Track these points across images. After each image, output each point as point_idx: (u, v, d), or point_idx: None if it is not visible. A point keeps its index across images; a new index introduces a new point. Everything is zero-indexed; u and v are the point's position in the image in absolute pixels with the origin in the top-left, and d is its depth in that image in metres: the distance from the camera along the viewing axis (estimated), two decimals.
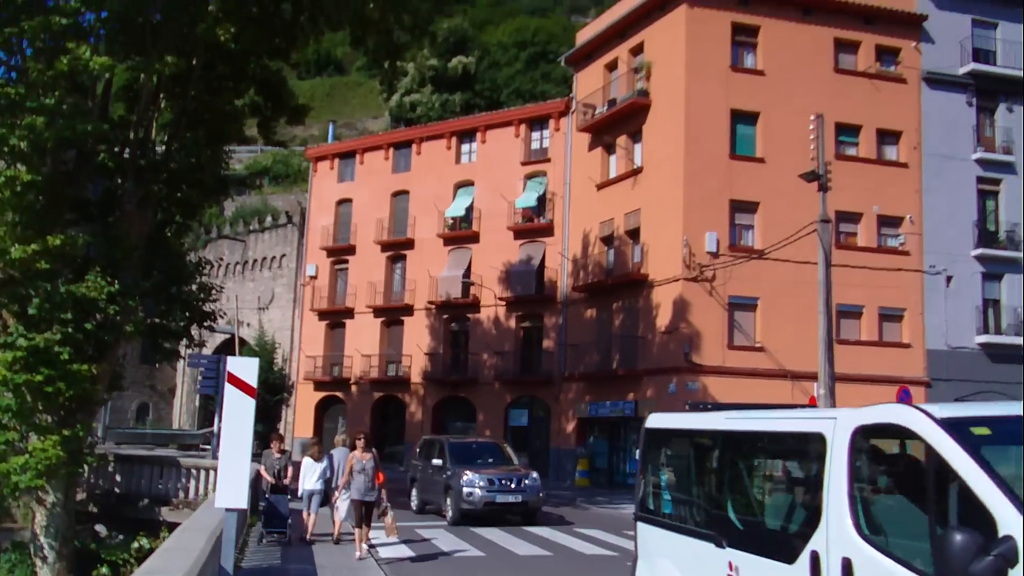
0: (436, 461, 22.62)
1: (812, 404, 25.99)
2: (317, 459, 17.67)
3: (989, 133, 36.63)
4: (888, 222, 34.74)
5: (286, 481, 17.44)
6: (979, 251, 35.14)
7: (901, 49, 35.78)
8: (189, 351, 29.33)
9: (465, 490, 20.87)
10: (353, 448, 16.21)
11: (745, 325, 32.54)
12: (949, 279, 34.47)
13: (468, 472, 21.16)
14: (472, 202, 43.43)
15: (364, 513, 15.76)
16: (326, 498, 17.94)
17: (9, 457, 19.69)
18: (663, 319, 32.92)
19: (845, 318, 32.84)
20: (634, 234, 35.42)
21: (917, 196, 34.89)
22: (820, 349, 23.58)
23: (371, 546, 16.30)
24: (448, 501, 21.63)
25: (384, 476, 16.15)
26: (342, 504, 16.99)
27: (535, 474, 22.33)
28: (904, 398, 28.50)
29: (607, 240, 37.21)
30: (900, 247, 34.54)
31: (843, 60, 35.28)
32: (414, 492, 24.45)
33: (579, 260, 38.51)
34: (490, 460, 22.85)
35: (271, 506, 17.28)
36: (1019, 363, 34.79)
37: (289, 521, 17.31)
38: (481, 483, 20.94)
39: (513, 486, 21.28)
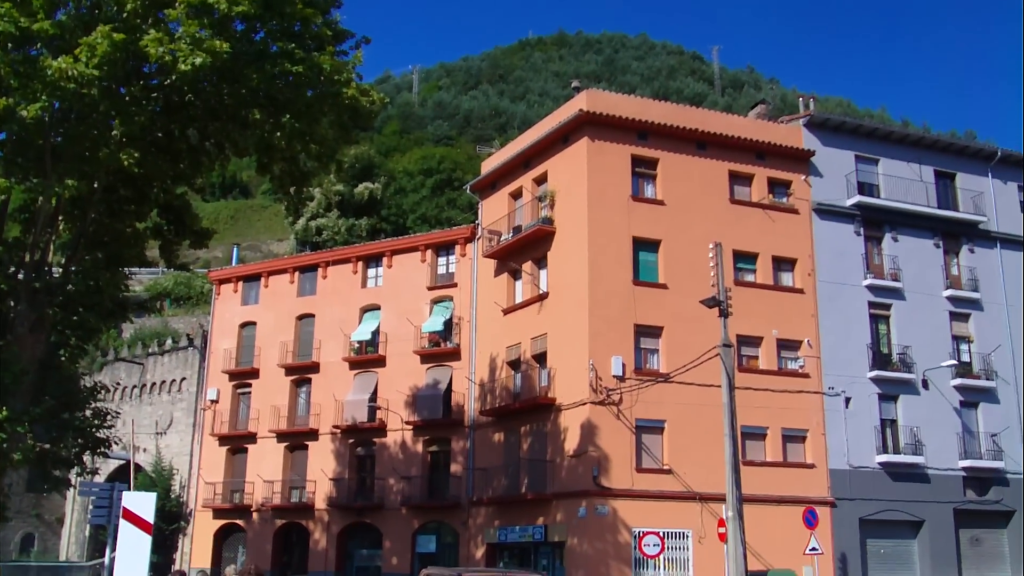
0: None
1: (721, 526, 26.08)
2: None
3: (877, 261, 38.32)
4: (787, 345, 35.68)
5: None
6: (874, 373, 36.25)
7: (792, 182, 37.52)
8: (80, 479, 28.04)
9: None
10: None
11: (653, 448, 32.68)
12: (848, 400, 35.39)
13: None
14: (378, 326, 43.25)
15: None
16: None
17: None
18: (571, 442, 32.87)
19: (750, 439, 33.33)
20: (541, 358, 35.60)
21: (813, 320, 36.04)
22: (727, 471, 23.77)
23: None
24: None
25: None
26: None
27: None
28: (810, 519, 28.85)
29: (514, 364, 37.30)
30: (800, 370, 35.43)
31: (738, 191, 36.75)
32: None
33: (486, 384, 38.43)
34: None
35: None
36: (916, 481, 35.74)
37: None
38: None
39: None
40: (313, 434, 43.67)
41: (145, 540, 7.50)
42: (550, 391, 34.31)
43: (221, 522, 45.49)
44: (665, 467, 32.45)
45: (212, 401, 46.97)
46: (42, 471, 25.36)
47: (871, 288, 37.43)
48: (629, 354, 33.17)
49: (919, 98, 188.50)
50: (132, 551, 7.54)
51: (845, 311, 36.59)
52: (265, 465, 44.59)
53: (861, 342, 36.56)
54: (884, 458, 35.51)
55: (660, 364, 33.53)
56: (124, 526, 7.50)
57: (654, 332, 33.89)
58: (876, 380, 36.36)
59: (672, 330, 33.59)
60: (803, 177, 37.67)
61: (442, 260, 43.02)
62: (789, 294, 36.21)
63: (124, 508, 7.52)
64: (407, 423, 40.80)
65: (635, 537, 30.09)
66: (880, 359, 36.84)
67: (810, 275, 36.55)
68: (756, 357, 35.19)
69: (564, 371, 33.84)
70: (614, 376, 32.54)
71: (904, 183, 38.88)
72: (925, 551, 35.53)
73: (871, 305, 37.40)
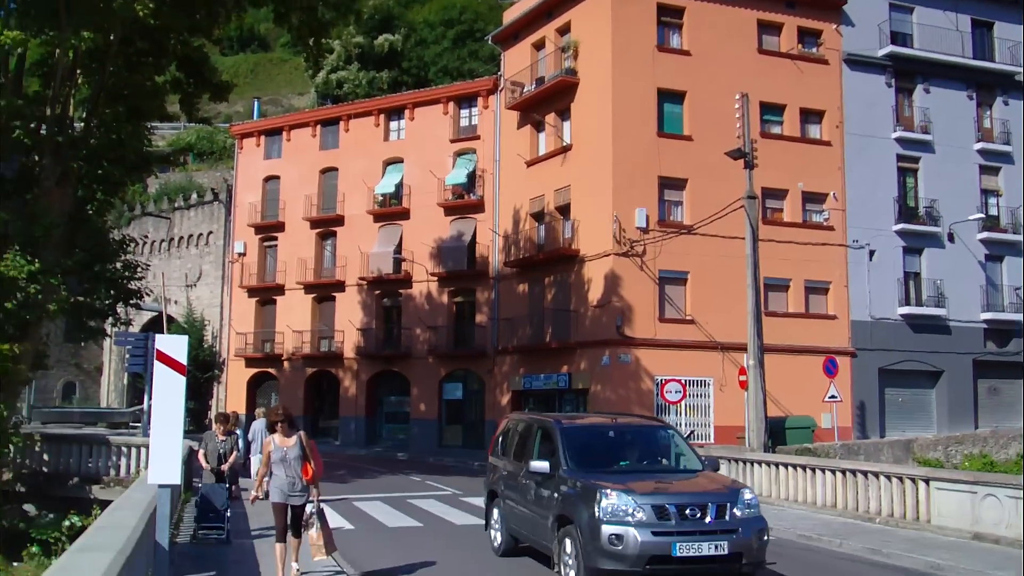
0: (538, 464, 12.09)
1: (742, 374, 26.57)
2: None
3: (908, 113, 37.56)
4: (813, 198, 35.44)
5: (224, 467, 15.19)
6: (900, 226, 36.08)
7: (822, 31, 36.44)
8: (115, 329, 28.77)
9: (607, 531, 10.45)
10: (272, 431, 11.43)
11: (675, 298, 32.99)
12: (872, 253, 35.36)
13: (610, 491, 10.72)
14: (401, 179, 43.25)
15: (290, 522, 11.29)
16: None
17: None
18: (595, 293, 33.23)
19: (772, 291, 33.52)
20: (564, 210, 35.60)
21: (840, 173, 35.65)
22: (748, 321, 24.01)
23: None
24: (567, 548, 11.22)
25: (317, 468, 11.38)
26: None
27: (749, 492, 11.38)
28: (830, 368, 29.25)
29: (538, 216, 37.36)
30: (824, 222, 35.29)
31: (766, 41, 35.78)
32: (494, 518, 14.11)
33: (510, 236, 38.62)
34: (644, 462, 12.65)
35: (205, 500, 14.51)
36: (937, 333, 36.04)
37: (228, 515, 14.51)
38: (640, 514, 10.54)
39: (710, 520, 10.73)
40: (340, 286, 44.36)
41: (179, 381, 7.74)
42: (574, 243, 34.47)
43: (253, 371, 46.84)
44: (688, 317, 32.83)
45: (239, 254, 47.62)
46: (78, 321, 26.02)
47: (900, 141, 36.83)
48: (653, 206, 33.11)
49: None
50: (167, 393, 7.80)
51: (873, 164, 36.13)
52: (294, 316, 45.53)
53: (888, 195, 36.24)
54: (906, 310, 35.72)
55: (684, 216, 33.49)
56: (158, 368, 7.73)
57: (678, 184, 33.70)
58: (901, 233, 36.22)
59: (696, 182, 33.37)
60: (834, 26, 36.54)
61: (464, 112, 42.58)
62: (816, 146, 35.71)
63: (157, 350, 7.73)
64: (432, 275, 41.30)
65: (657, 384, 30.74)
66: (906, 212, 36.59)
67: (838, 127, 35.93)
68: (780, 210, 35.02)
69: (588, 223, 33.88)
70: (637, 228, 32.59)
71: (939, 32, 37.67)
72: (943, 400, 36.13)
73: (899, 158, 36.88)
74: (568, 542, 11.09)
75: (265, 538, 13.65)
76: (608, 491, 10.67)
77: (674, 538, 10.41)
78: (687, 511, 10.65)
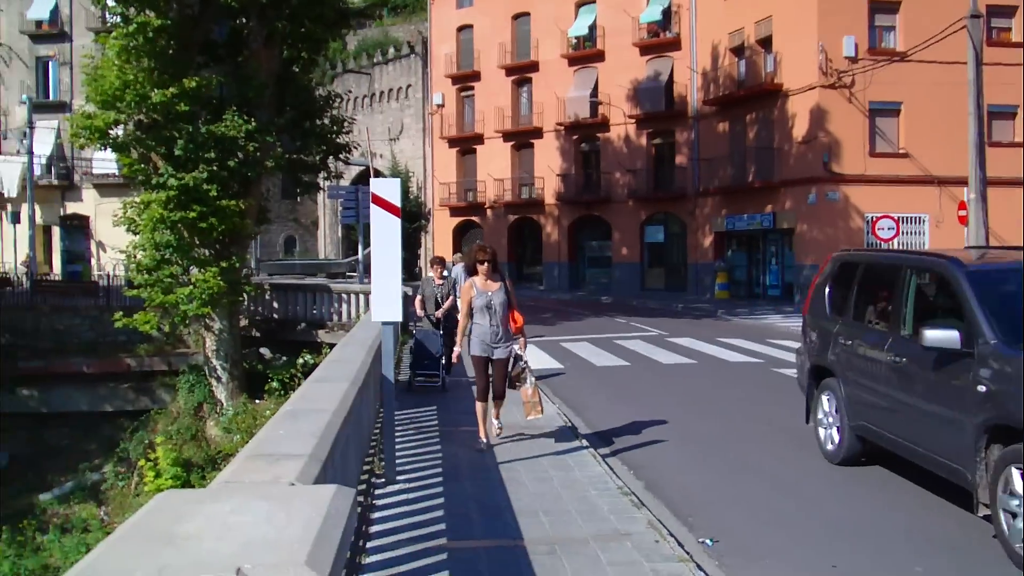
0: (939, 336, 6.75)
1: (962, 209, 25.16)
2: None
3: None
4: None
5: (439, 313, 14.10)
6: None
7: None
8: (328, 183, 30.12)
9: None
10: (473, 272, 9.72)
11: (888, 131, 31.23)
12: None
13: None
14: (595, 20, 42.33)
15: (494, 377, 9.71)
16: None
17: (175, 289, 21.05)
18: (800, 129, 31.89)
19: (997, 119, 31.15)
20: (766, 43, 33.96)
21: None
22: (970, 152, 22.49)
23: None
24: (1017, 485, 6.02)
25: (522, 317, 9.83)
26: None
27: None
28: None
29: (737, 51, 35.84)
30: None
31: None
32: (825, 407, 9.22)
33: (709, 73, 37.32)
34: None
35: (420, 346, 13.83)
36: None
37: (444, 362, 13.77)
38: None
39: None
40: (537, 132, 44.50)
41: (395, 223, 8.03)
42: (776, 77, 32.99)
43: (458, 219, 48.30)
44: (901, 151, 31.11)
45: (438, 106, 48.43)
46: (293, 177, 27.42)
47: None
48: (862, 33, 31.10)
49: None
50: (384, 234, 8.12)
51: None
52: (494, 164, 46.25)
53: None
54: None
55: (897, 42, 31.30)
56: (374, 211, 8.03)
57: (890, 8, 31.42)
58: None
59: (911, 4, 30.96)
60: None
61: None
62: None
63: (373, 194, 8.01)
64: (630, 117, 40.69)
65: (868, 222, 29.51)
66: None
67: None
68: (1008, 29, 32.15)
69: (791, 55, 32.25)
70: (846, 57, 30.79)
71: None
72: None
73: None
74: (1017, 474, 6.10)
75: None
76: None
77: None
78: None
